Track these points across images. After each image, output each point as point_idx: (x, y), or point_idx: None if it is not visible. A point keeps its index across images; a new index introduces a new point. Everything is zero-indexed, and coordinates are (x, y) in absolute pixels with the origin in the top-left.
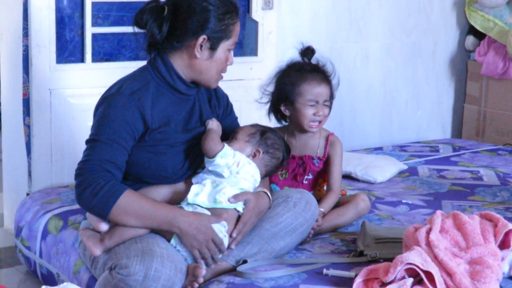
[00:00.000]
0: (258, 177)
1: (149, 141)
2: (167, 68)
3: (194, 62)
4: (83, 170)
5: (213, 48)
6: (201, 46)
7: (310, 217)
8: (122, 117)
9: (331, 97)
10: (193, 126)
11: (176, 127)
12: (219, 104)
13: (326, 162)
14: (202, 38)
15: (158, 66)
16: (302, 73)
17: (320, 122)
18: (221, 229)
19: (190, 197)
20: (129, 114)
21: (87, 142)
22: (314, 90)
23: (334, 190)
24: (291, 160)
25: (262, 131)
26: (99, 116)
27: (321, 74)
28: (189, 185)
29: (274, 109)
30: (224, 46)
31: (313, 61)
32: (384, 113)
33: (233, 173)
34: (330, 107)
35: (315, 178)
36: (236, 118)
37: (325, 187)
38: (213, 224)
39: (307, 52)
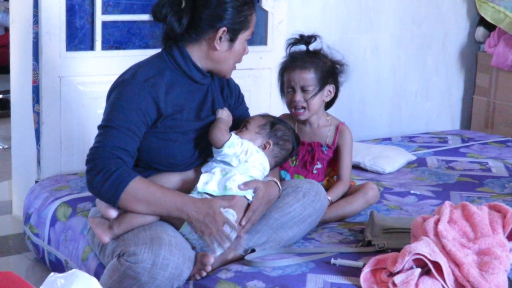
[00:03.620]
0: (267, 165)
1: (161, 127)
2: (183, 58)
3: (212, 53)
4: (94, 156)
5: (232, 39)
6: (220, 38)
7: (319, 208)
8: (136, 103)
9: (322, 79)
10: (205, 115)
11: (189, 115)
12: (231, 94)
13: (336, 151)
14: (222, 30)
15: (174, 55)
16: (287, 62)
17: (304, 108)
18: (230, 218)
19: (200, 185)
20: (142, 101)
21: (99, 127)
22: (289, 77)
23: (344, 180)
24: (301, 147)
25: (272, 122)
26: (112, 101)
27: (303, 60)
28: (198, 174)
29: (283, 97)
30: (242, 37)
31: (325, 51)
32: (394, 104)
33: (242, 162)
34: (317, 93)
35: (325, 168)
36: (247, 109)
37: (335, 178)
38: (224, 208)
39: (301, 40)
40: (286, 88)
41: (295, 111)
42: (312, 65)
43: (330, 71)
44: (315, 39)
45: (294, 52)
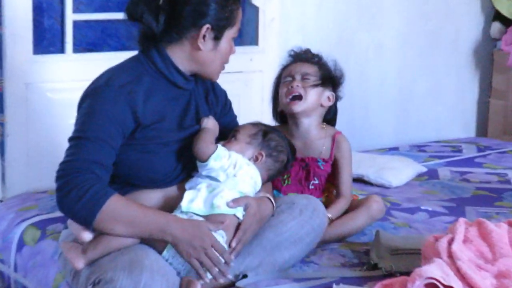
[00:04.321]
0: (258, 180)
1: (139, 139)
2: (163, 60)
3: (196, 54)
4: (65, 172)
5: (217, 38)
6: (204, 36)
7: (318, 225)
8: (111, 112)
9: (324, 78)
10: (188, 124)
11: (170, 124)
12: (217, 101)
13: (334, 164)
14: (205, 27)
15: (153, 58)
16: (287, 60)
17: (299, 97)
18: (219, 239)
19: (184, 204)
20: (118, 109)
21: (70, 139)
22: (289, 69)
23: (344, 195)
24: (293, 163)
25: (264, 132)
26: (84, 110)
27: (307, 56)
28: (182, 190)
29: (274, 109)
30: (228, 35)
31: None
32: (400, 109)
33: (230, 176)
34: (317, 85)
35: (323, 183)
36: (235, 117)
37: (334, 192)
38: (211, 231)
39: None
40: (283, 79)
41: (290, 101)
42: (316, 62)
43: (332, 78)
44: (319, 58)
45: (295, 49)
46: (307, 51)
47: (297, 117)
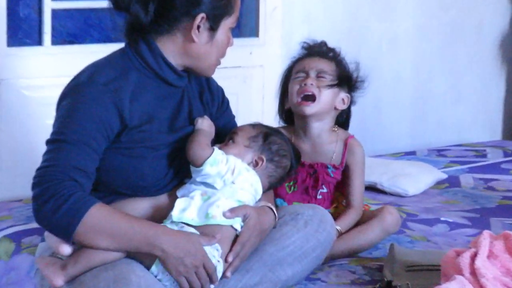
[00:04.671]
0: (259, 187)
1: (125, 142)
2: (153, 54)
3: (190, 47)
4: (43, 179)
5: (213, 28)
6: (198, 27)
7: (325, 239)
8: (94, 112)
9: (341, 79)
10: (180, 126)
11: (160, 126)
12: (213, 100)
13: (344, 171)
14: (200, 17)
15: (141, 51)
16: (300, 53)
17: (311, 97)
18: (214, 253)
19: (176, 213)
20: (102, 109)
21: (48, 142)
22: (302, 64)
23: (355, 206)
24: (300, 169)
25: (265, 133)
26: (64, 110)
27: (323, 51)
28: (173, 198)
29: (280, 107)
30: (226, 25)
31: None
32: (417, 109)
33: (228, 183)
34: (333, 86)
35: (332, 192)
36: (233, 117)
37: (343, 202)
38: (204, 246)
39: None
40: (295, 74)
41: (301, 101)
42: (333, 58)
43: (349, 78)
44: (333, 53)
45: (309, 42)
46: (323, 44)
47: (307, 120)
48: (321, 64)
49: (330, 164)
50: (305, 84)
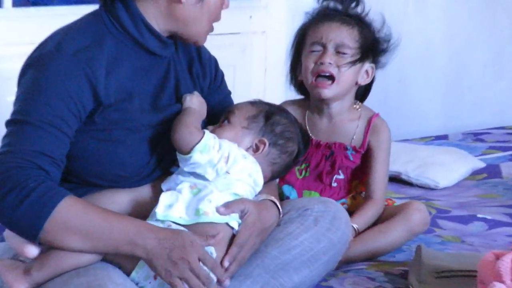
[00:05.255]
0: (259, 178)
1: (100, 123)
2: (132, 18)
3: (175, 8)
4: (1, 166)
5: None
6: None
7: (338, 239)
8: (62, 87)
9: (366, 50)
10: (165, 103)
11: (142, 103)
12: (204, 73)
13: (366, 155)
14: None
15: (118, 14)
16: (314, 18)
17: (332, 79)
18: None
19: (160, 210)
20: (72, 84)
21: (9, 124)
22: (318, 30)
23: (375, 198)
24: (315, 150)
25: (267, 112)
26: (27, 85)
27: (344, 14)
28: (158, 192)
29: (293, 76)
30: None
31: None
32: (450, 85)
33: (221, 174)
34: (355, 62)
35: (349, 180)
36: (229, 93)
37: (363, 194)
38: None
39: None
40: (310, 45)
41: (317, 81)
42: (356, 24)
43: (374, 44)
44: (357, 3)
45: (328, 3)
46: (346, 2)
47: (324, 101)
48: (342, 34)
49: (350, 145)
50: (321, 63)
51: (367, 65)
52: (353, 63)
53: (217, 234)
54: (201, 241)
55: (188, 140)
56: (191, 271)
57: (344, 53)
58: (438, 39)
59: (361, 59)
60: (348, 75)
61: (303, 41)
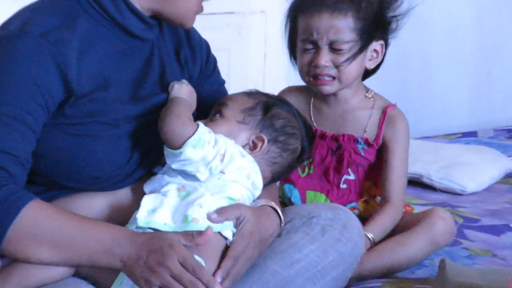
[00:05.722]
0: (258, 180)
1: (71, 115)
2: None
3: None
4: None
5: None
6: None
7: (349, 252)
8: (27, 73)
9: (367, 33)
10: (147, 93)
11: (120, 93)
12: (194, 58)
13: (380, 151)
14: None
15: None
16: (303, 2)
17: (332, 78)
18: None
19: (142, 216)
20: (39, 69)
21: None
22: (308, 23)
23: (393, 201)
24: (320, 142)
25: (265, 104)
26: None
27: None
28: (139, 194)
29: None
30: None
31: None
32: (479, 75)
33: (215, 173)
34: (357, 54)
35: (361, 181)
36: (223, 82)
37: (377, 198)
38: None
39: None
40: (302, 42)
41: (315, 80)
42: (350, 5)
43: (379, 19)
44: None
45: None
46: None
47: (330, 95)
48: (335, 27)
49: (362, 138)
50: (316, 66)
51: (375, 43)
52: (353, 57)
53: (205, 233)
54: (185, 241)
55: (179, 132)
56: (172, 276)
57: (340, 50)
58: (465, 20)
59: (363, 46)
60: (350, 70)
61: (295, 28)
